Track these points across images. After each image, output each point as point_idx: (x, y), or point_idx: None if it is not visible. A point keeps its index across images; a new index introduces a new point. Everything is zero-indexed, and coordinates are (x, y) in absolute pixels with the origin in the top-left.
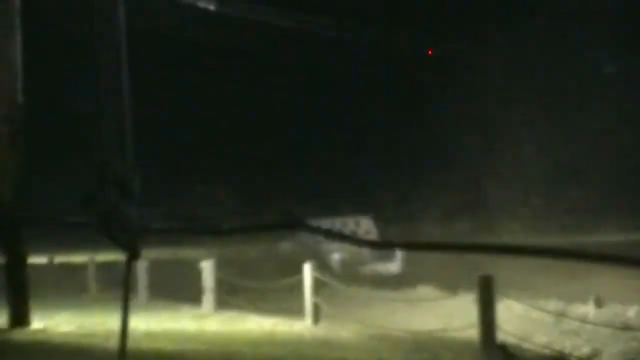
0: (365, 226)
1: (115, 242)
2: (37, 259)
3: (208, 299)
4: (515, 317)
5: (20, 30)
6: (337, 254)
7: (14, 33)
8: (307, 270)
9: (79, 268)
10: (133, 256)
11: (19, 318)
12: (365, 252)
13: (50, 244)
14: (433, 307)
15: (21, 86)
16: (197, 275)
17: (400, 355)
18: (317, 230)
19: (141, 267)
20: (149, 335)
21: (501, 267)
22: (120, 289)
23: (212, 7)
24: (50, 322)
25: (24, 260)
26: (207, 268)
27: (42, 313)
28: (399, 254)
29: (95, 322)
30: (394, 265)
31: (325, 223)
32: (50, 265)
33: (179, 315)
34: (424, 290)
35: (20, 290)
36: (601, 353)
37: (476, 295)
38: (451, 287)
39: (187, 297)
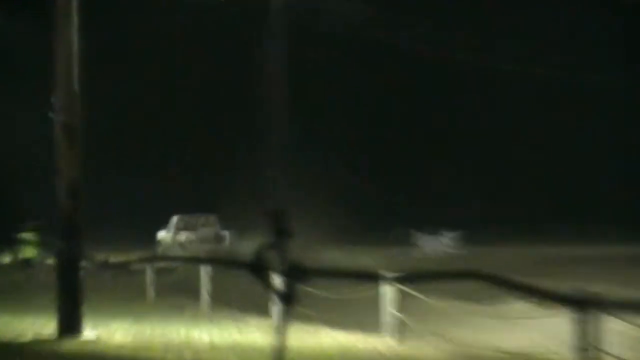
0: (212, 220)
1: (270, 287)
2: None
3: (277, 309)
4: (618, 338)
5: (77, 14)
6: (183, 235)
7: (70, 17)
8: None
9: (136, 272)
10: (289, 302)
11: (70, 326)
12: (211, 236)
13: (104, 245)
14: (529, 325)
15: (78, 74)
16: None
17: None
18: (502, 282)
19: (204, 272)
20: (214, 348)
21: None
22: (181, 298)
23: None
24: (104, 331)
25: (77, 261)
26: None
27: (95, 320)
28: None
29: (154, 333)
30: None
31: (187, 218)
32: (104, 267)
33: (245, 327)
34: (519, 306)
35: (72, 294)
36: None
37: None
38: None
39: (253, 306)
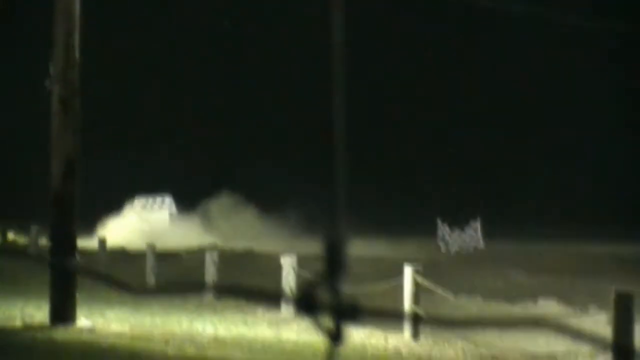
0: (168, 202)
1: (316, 323)
2: (86, 243)
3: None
4: None
5: None
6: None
7: None
8: (408, 273)
9: (136, 257)
10: (335, 341)
11: (63, 313)
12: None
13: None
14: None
15: (79, 42)
16: (276, 271)
17: None
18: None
19: (209, 259)
20: (217, 341)
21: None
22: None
23: None
24: (100, 320)
25: (72, 243)
26: (288, 264)
27: (90, 308)
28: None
29: (153, 323)
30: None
31: (143, 199)
32: (101, 251)
33: (252, 320)
34: (548, 305)
35: (66, 280)
36: None
37: (610, 315)
38: None
39: (263, 297)
